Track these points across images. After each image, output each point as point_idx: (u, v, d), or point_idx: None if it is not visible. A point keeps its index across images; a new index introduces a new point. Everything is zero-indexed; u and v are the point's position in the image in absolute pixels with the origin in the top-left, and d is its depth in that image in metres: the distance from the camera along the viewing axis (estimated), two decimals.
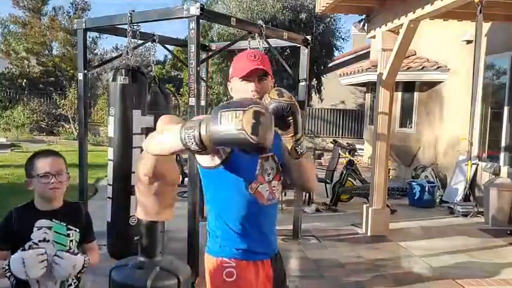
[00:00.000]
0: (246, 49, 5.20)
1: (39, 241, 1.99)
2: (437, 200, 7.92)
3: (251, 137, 1.39)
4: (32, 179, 2.05)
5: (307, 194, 7.43)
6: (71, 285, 2.12)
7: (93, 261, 2.14)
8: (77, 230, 2.11)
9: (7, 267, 1.86)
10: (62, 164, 2.12)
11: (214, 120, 1.43)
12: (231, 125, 1.40)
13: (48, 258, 1.90)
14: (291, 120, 1.69)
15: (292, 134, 1.72)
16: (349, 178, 7.73)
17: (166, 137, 1.66)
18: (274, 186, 1.91)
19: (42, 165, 2.05)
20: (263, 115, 1.42)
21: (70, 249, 2.04)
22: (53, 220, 2.04)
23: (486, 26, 7.22)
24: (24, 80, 19.90)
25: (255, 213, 1.88)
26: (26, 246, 1.95)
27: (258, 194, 1.86)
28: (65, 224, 2.08)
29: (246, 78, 1.82)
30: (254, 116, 1.40)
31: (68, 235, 2.08)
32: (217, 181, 1.85)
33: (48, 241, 2.01)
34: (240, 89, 1.84)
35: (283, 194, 7.55)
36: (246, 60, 1.85)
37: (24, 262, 1.83)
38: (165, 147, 1.68)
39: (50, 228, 2.03)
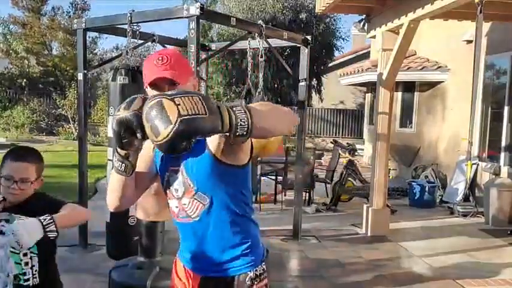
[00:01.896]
0: (246, 49, 5.21)
1: None
2: (438, 200, 7.92)
3: (116, 116, 1.50)
4: None
5: (307, 194, 7.43)
6: (28, 280, 1.95)
7: (68, 215, 1.97)
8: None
9: None
10: (30, 170, 1.98)
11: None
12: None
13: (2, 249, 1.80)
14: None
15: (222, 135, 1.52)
16: (349, 178, 7.72)
17: (110, 182, 1.73)
18: (185, 204, 1.69)
19: (9, 166, 1.97)
20: (133, 98, 1.50)
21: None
22: (11, 214, 1.88)
23: (486, 26, 7.22)
24: (24, 80, 19.90)
25: (179, 227, 1.78)
26: None
27: (170, 208, 1.77)
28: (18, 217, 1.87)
29: (155, 87, 1.63)
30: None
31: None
32: None
33: (4, 234, 1.82)
34: None
35: (283, 194, 7.55)
36: (153, 66, 1.63)
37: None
38: (112, 189, 1.72)
39: (7, 220, 1.85)
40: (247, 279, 1.74)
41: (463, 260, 5.11)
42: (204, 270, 1.76)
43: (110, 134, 4.12)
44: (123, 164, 1.59)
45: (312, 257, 5.09)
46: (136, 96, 1.50)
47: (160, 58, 1.63)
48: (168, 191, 1.73)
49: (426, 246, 5.63)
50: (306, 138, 8.26)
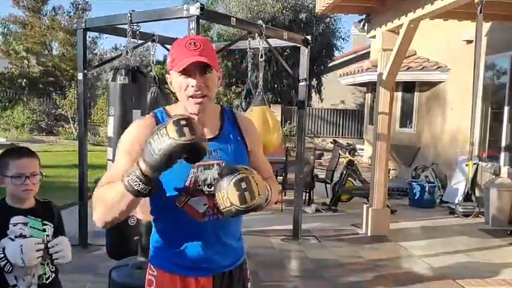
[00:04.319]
0: (246, 49, 5.21)
1: (16, 237, 1.98)
2: (438, 200, 7.92)
3: (181, 141, 1.36)
4: (5, 177, 2.02)
5: (307, 194, 7.43)
6: (49, 278, 2.09)
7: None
8: (51, 225, 2.12)
9: (2, 254, 1.89)
10: (36, 165, 2.08)
11: (146, 150, 1.40)
12: (160, 143, 1.37)
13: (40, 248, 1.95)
14: None
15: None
16: (349, 178, 7.73)
17: (110, 197, 1.50)
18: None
19: (16, 165, 2.02)
20: (183, 118, 1.40)
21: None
22: (28, 216, 2.04)
23: (486, 26, 7.22)
24: (24, 80, 19.89)
25: (189, 229, 1.64)
26: (2, 241, 1.95)
27: (189, 208, 1.62)
28: (40, 220, 2.08)
29: (185, 72, 1.57)
30: (175, 123, 1.38)
31: (44, 230, 2.08)
32: None
33: (25, 236, 2.00)
34: (180, 84, 1.59)
35: (283, 193, 7.55)
36: (185, 50, 1.56)
37: (22, 248, 1.88)
38: (114, 207, 1.50)
39: (25, 224, 2.02)
40: (245, 261, 1.84)
41: (463, 260, 5.11)
42: (221, 267, 1.73)
43: (110, 134, 4.11)
44: (148, 187, 1.42)
45: (312, 257, 5.09)
46: (185, 116, 1.43)
47: (192, 42, 1.58)
48: (193, 188, 1.61)
49: (426, 246, 5.63)
50: (306, 138, 8.26)
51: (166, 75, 1.67)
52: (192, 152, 1.41)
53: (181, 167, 1.51)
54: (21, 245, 1.88)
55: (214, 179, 1.60)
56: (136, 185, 1.41)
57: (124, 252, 3.83)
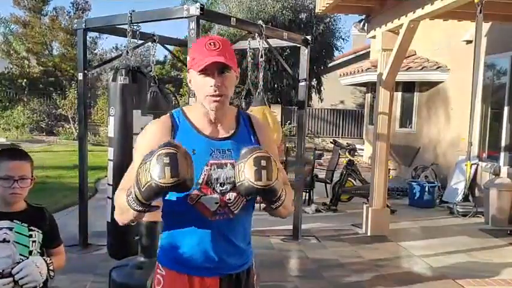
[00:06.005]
0: (246, 49, 5.21)
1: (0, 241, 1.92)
2: (437, 200, 7.92)
3: (160, 183, 1.41)
4: None
5: (307, 194, 7.43)
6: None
7: (58, 264, 2.05)
8: (40, 231, 2.02)
9: None
10: (28, 168, 1.98)
11: (137, 179, 1.47)
12: (144, 180, 1.43)
13: (12, 265, 1.88)
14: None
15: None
16: (349, 178, 7.73)
17: (122, 205, 1.59)
18: (229, 199, 1.63)
19: (5, 167, 1.93)
20: (167, 154, 1.42)
21: (31, 250, 1.98)
22: (14, 221, 1.96)
23: (486, 26, 7.22)
24: (24, 80, 19.90)
25: (198, 227, 1.64)
26: None
27: (200, 206, 1.62)
28: (26, 225, 1.98)
29: (204, 72, 1.59)
30: (158, 160, 1.41)
31: (30, 236, 1.99)
32: None
33: (9, 241, 1.93)
34: (199, 83, 1.62)
35: None
36: (204, 50, 1.59)
37: None
38: (125, 214, 1.60)
39: (11, 229, 1.94)
40: (254, 267, 1.82)
41: (462, 260, 5.11)
42: (229, 269, 1.71)
43: (111, 134, 4.12)
44: (146, 208, 1.51)
45: (312, 257, 5.09)
46: (171, 150, 1.44)
47: (211, 43, 1.60)
48: (205, 186, 1.61)
49: (426, 246, 5.63)
50: (306, 138, 8.26)
51: (187, 74, 1.68)
52: (174, 190, 1.46)
53: (194, 164, 1.50)
54: None
55: (227, 178, 1.61)
56: (134, 206, 1.50)
57: (124, 252, 3.84)
